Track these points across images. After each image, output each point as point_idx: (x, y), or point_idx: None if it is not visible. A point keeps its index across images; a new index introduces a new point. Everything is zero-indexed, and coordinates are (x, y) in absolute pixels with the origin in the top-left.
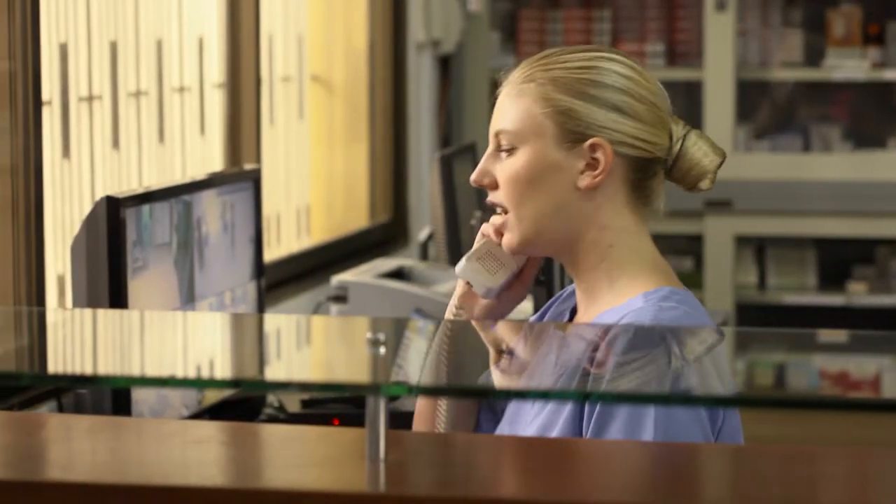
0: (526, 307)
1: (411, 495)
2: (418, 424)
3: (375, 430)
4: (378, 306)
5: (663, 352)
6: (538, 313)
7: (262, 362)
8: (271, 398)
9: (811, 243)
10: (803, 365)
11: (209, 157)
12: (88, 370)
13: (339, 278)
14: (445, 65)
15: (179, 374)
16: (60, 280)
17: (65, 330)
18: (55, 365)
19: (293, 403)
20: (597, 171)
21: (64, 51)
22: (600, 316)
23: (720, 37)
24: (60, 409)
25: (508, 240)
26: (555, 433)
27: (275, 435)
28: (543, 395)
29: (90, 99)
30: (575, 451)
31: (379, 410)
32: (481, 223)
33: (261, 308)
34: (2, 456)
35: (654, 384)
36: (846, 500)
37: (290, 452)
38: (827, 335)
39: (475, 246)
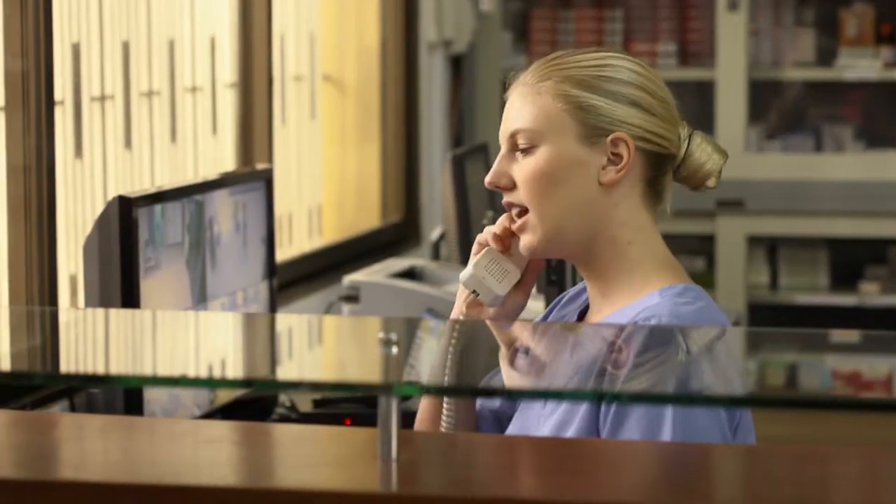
0: (537, 307)
1: (423, 495)
2: (420, 424)
3: (387, 430)
4: (390, 306)
5: (677, 350)
6: (539, 318)
7: (273, 362)
8: (283, 398)
9: (823, 243)
10: (815, 365)
11: (221, 157)
12: (101, 370)
13: (350, 278)
14: (457, 64)
15: (191, 373)
16: (73, 280)
17: (77, 329)
18: (67, 364)
19: (305, 403)
20: (619, 166)
21: (76, 51)
22: (616, 313)
23: (732, 37)
24: (72, 409)
25: (529, 241)
26: (571, 432)
27: (287, 435)
28: (558, 395)
29: (102, 99)
30: (586, 451)
31: (391, 410)
32: (493, 222)
33: (273, 308)
34: (14, 455)
35: (669, 383)
36: (858, 500)
37: (302, 452)
38: (839, 335)
39: (476, 256)
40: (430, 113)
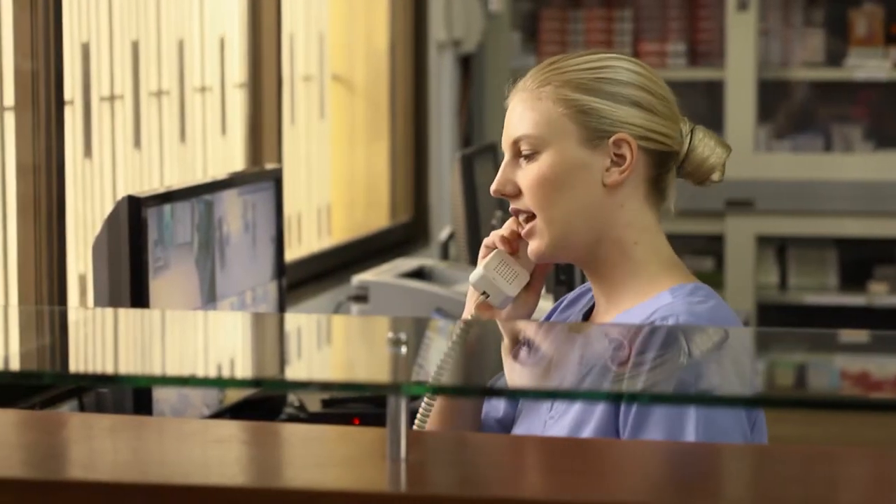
0: (547, 307)
1: (432, 495)
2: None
3: (396, 430)
4: (399, 306)
5: (696, 350)
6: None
7: (282, 362)
8: (292, 398)
9: (832, 243)
10: (824, 365)
11: (230, 157)
12: (110, 369)
13: (359, 278)
14: (466, 64)
15: (200, 373)
16: (82, 279)
17: (86, 329)
18: (77, 364)
19: (314, 403)
20: (623, 167)
21: (86, 50)
22: (625, 314)
23: (742, 36)
24: (82, 409)
25: (537, 246)
26: (587, 432)
27: (295, 434)
28: (569, 395)
29: (112, 98)
30: (595, 451)
31: (400, 410)
32: (502, 223)
33: (282, 308)
34: (23, 455)
35: (686, 383)
36: (867, 500)
37: (311, 452)
38: (848, 335)
39: (486, 259)
40: (440, 113)
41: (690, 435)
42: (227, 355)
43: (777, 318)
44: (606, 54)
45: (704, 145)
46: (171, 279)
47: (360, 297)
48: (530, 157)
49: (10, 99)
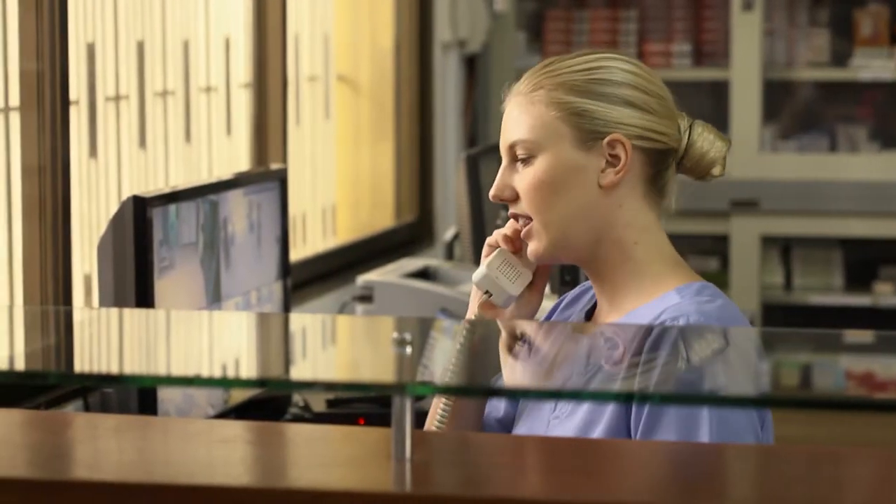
0: (549, 306)
1: (437, 495)
2: (431, 424)
3: (401, 430)
4: (403, 306)
5: (706, 349)
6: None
7: (287, 362)
8: (297, 398)
9: (837, 244)
10: (829, 365)
11: (235, 157)
12: (115, 369)
13: (364, 278)
14: (471, 64)
15: (205, 373)
16: (87, 279)
17: (91, 329)
18: (82, 364)
19: (319, 403)
20: (618, 167)
21: (91, 51)
22: (631, 314)
23: (747, 37)
24: (87, 408)
25: (535, 248)
26: (597, 432)
27: (300, 434)
28: (575, 396)
29: (117, 99)
30: (599, 451)
31: (405, 410)
32: (506, 223)
33: (286, 308)
34: (28, 455)
35: (694, 383)
36: (872, 501)
37: (316, 452)
38: (853, 335)
39: (488, 258)
40: (445, 113)
41: (704, 436)
42: (231, 355)
43: (782, 319)
44: (601, 54)
45: (703, 140)
46: (176, 279)
47: (365, 298)
48: (526, 162)
49: (15, 99)
